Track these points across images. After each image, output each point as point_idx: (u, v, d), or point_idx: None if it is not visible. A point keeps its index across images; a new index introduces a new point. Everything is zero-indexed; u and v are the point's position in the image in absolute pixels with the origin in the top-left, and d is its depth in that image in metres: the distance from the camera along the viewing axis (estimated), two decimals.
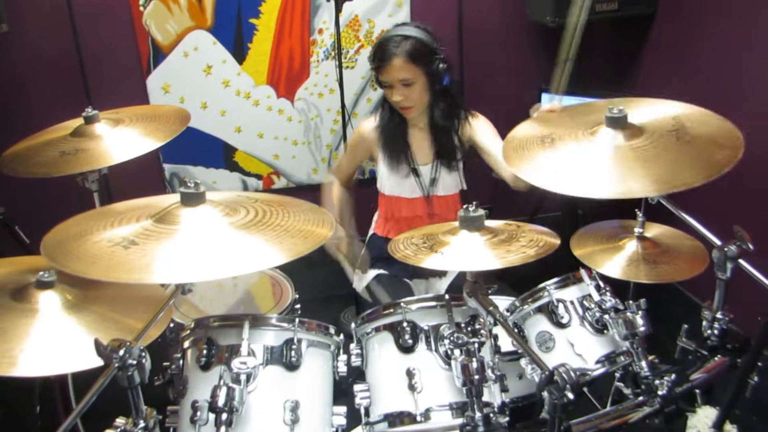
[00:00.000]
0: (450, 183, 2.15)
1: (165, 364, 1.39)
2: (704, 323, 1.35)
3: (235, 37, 2.85)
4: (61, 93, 2.73)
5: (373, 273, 2.17)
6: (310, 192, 3.06)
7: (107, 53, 2.79)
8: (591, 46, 3.03)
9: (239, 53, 2.87)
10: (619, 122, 1.37)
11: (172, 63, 2.84)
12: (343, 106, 2.62)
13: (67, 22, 2.69)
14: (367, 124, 2.17)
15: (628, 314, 1.28)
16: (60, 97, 2.61)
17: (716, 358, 1.31)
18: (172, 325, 1.73)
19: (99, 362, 1.12)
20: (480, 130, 2.11)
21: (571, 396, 1.00)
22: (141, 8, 2.74)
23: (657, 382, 1.21)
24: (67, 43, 2.72)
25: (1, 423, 2.14)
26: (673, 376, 1.21)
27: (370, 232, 2.30)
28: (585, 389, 1.56)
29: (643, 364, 1.26)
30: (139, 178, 2.56)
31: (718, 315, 1.32)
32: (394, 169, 2.11)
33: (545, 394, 1.05)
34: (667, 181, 1.23)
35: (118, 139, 1.78)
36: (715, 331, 1.31)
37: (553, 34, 2.81)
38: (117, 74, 2.82)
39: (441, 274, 2.18)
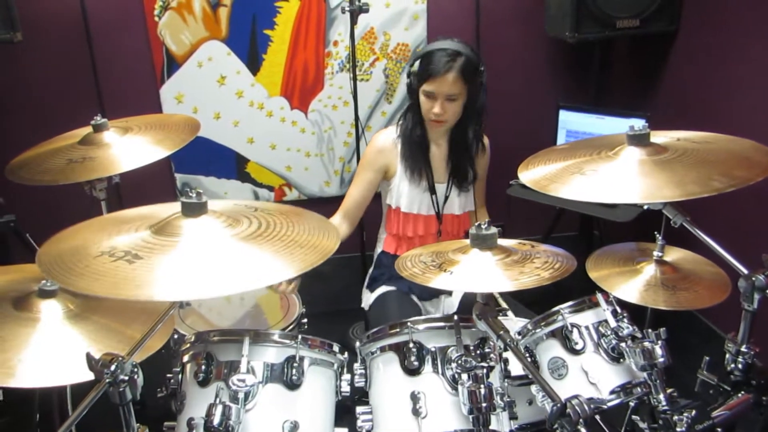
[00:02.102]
0: (461, 203, 2.15)
1: (168, 375, 1.35)
2: (727, 356, 1.28)
3: (249, 48, 2.84)
4: (75, 102, 2.72)
5: (381, 290, 2.12)
6: (322, 204, 3.04)
7: (121, 63, 2.78)
8: (612, 63, 3.01)
9: (253, 64, 2.86)
10: (641, 139, 1.32)
11: (185, 73, 2.82)
12: (357, 118, 2.59)
13: (81, 31, 2.69)
14: (385, 136, 2.13)
15: (647, 343, 1.21)
16: (73, 106, 2.60)
17: (740, 395, 1.24)
18: (176, 336, 1.70)
19: None
20: (486, 159, 2.21)
21: (584, 431, 0.95)
22: (156, 18, 2.74)
23: (676, 417, 1.14)
24: (82, 52, 2.71)
25: (1, 431, 2.12)
26: (694, 412, 1.14)
27: (378, 250, 2.25)
28: (597, 417, 1.49)
29: (662, 397, 1.19)
30: (150, 188, 2.54)
31: (743, 348, 1.25)
32: (414, 183, 2.08)
33: (556, 427, 0.99)
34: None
35: (126, 148, 1.76)
36: (739, 366, 1.24)
37: (572, 50, 2.81)
38: (130, 84, 2.82)
39: (447, 292, 2.13)
